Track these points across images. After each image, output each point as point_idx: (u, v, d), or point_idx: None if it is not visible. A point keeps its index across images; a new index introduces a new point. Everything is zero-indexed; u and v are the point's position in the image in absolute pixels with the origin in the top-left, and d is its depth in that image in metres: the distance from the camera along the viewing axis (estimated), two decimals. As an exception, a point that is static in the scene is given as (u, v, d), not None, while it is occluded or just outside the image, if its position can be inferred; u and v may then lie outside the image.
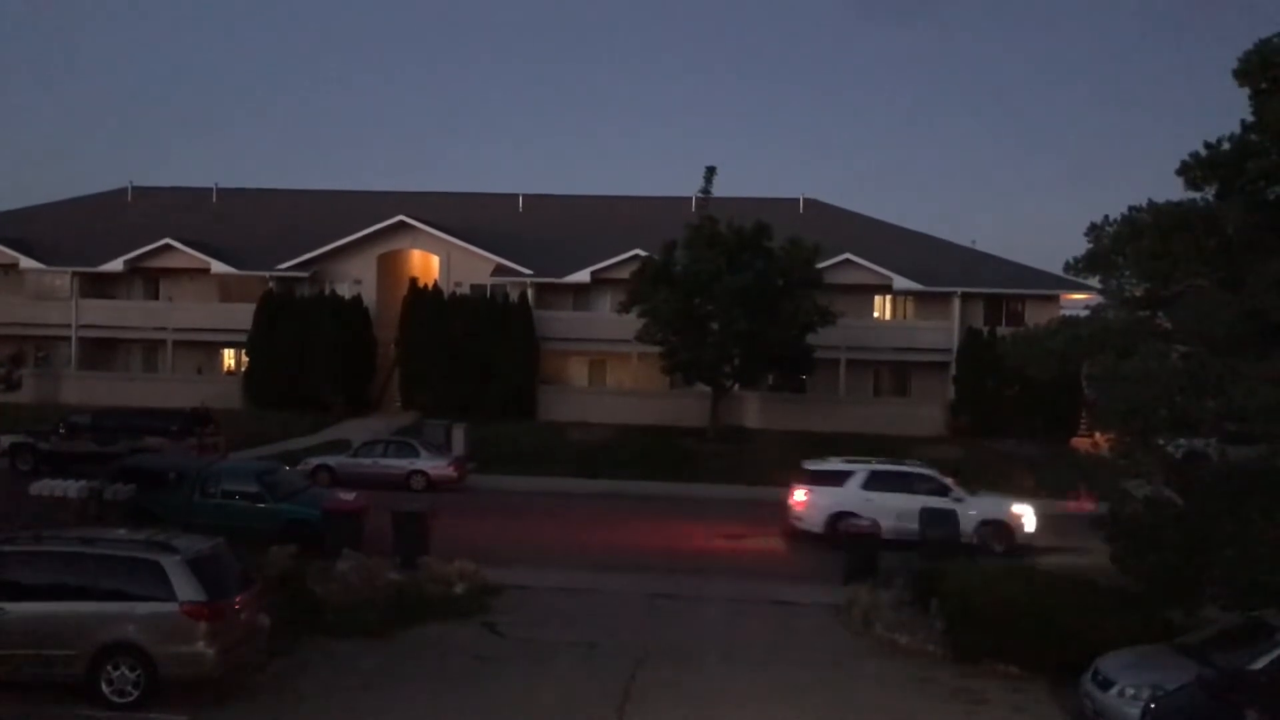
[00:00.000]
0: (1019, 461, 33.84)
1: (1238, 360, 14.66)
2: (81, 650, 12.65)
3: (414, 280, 43.63)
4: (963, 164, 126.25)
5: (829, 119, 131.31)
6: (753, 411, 41.51)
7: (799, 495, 24.55)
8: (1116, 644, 13.91)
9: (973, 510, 23.40)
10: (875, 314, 45.52)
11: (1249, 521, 14.34)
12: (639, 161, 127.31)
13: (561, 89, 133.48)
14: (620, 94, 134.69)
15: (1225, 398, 14.40)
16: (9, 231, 47.94)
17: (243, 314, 43.63)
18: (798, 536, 24.25)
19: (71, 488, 20.11)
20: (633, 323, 38.28)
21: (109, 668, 12.66)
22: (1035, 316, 38.94)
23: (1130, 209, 16.84)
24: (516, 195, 51.78)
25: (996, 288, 43.62)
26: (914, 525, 21.86)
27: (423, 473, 29.65)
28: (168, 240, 45.49)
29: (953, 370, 41.81)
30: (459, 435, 33.92)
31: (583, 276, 44.20)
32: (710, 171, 39.68)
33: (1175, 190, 23.48)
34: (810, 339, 37.57)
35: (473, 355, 40.71)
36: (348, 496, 21.91)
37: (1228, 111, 34.97)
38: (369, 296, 44.46)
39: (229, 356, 47.26)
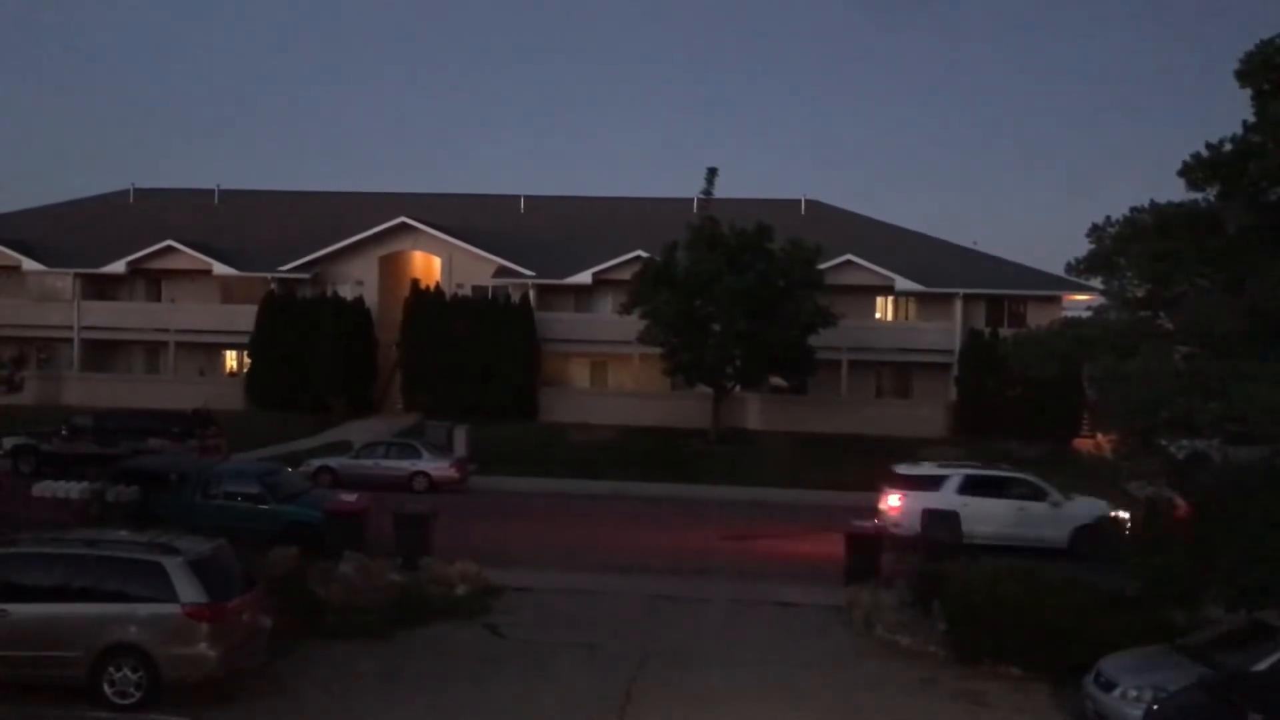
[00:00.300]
0: (1021, 463, 33.74)
1: (1239, 361, 14.66)
2: (83, 652, 12.63)
3: (416, 282, 43.72)
4: (964, 165, 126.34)
5: (831, 120, 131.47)
6: (754, 413, 41.56)
7: (893, 500, 23.40)
8: (1118, 645, 13.88)
9: (1076, 511, 22.74)
10: (877, 315, 45.53)
11: (1251, 522, 14.32)
12: (640, 163, 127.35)
13: (563, 90, 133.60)
14: (621, 95, 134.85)
15: (1227, 399, 14.38)
16: (11, 233, 48.07)
17: (244, 315, 43.74)
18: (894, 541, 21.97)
19: (74, 489, 20.16)
20: (634, 324, 38.32)
21: (111, 669, 12.64)
22: (1037, 317, 38.99)
23: (1132, 210, 16.86)
24: (518, 197, 51.77)
25: (998, 289, 43.61)
26: (1012, 530, 21.72)
27: (424, 474, 29.69)
28: (170, 242, 45.60)
29: (954, 371, 41.82)
30: (461, 436, 33.94)
31: (584, 278, 44.24)
32: (711, 173, 39.80)
33: (1177, 191, 23.46)
34: (812, 340, 37.60)
35: (474, 356, 40.75)
36: (349, 498, 21.86)
37: (1230, 112, 34.96)
38: (370, 298, 44.50)
39: (231, 358, 47.33)
